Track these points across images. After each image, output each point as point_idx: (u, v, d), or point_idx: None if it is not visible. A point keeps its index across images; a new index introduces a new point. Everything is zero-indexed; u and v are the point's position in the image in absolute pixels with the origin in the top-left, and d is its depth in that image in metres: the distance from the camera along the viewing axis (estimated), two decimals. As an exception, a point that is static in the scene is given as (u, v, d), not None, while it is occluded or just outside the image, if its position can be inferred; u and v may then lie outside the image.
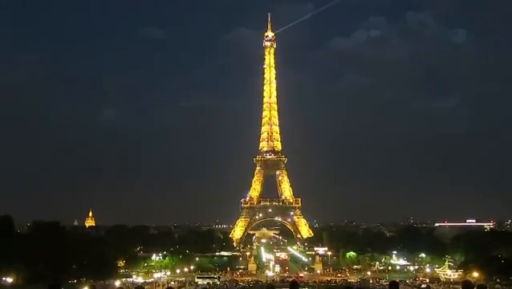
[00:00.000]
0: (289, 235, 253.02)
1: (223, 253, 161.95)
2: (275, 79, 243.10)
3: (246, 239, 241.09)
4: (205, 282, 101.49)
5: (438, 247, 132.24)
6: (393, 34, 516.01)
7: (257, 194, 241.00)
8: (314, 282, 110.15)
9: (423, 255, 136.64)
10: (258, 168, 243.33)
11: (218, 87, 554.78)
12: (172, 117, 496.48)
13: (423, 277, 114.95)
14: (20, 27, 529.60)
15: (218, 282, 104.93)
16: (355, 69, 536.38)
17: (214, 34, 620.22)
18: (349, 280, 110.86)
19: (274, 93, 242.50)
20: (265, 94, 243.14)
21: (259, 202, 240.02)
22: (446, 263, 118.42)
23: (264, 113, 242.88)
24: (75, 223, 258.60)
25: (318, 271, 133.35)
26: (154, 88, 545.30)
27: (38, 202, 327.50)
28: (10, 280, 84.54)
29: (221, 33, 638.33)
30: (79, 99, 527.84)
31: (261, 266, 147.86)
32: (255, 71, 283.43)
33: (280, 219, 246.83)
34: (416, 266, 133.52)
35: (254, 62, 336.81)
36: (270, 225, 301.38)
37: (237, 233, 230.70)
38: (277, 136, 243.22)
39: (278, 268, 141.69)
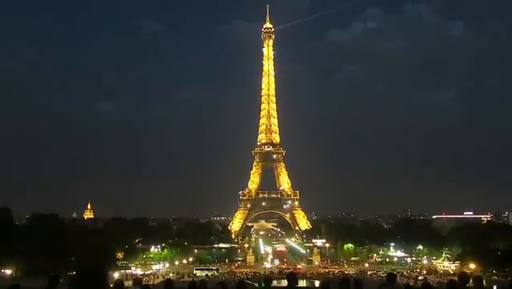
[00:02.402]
0: (287, 227, 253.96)
1: (221, 245, 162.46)
2: (273, 71, 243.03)
3: (245, 231, 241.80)
4: (204, 274, 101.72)
5: (435, 239, 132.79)
6: (390, 26, 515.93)
7: (255, 187, 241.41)
8: (312, 273, 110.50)
9: (420, 247, 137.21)
10: (256, 160, 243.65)
11: (216, 80, 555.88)
12: (171, 110, 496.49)
13: (420, 269, 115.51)
14: (20, 20, 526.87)
15: (217, 274, 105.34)
16: (353, 61, 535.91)
17: (212, 26, 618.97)
18: (347, 272, 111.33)
19: (273, 85, 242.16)
20: (263, 86, 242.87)
21: (258, 195, 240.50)
22: (443, 255, 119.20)
23: (262, 106, 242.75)
24: (74, 215, 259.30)
25: (317, 263, 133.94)
26: (153, 81, 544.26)
27: (36, 195, 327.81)
28: (9, 272, 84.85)
29: (219, 25, 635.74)
30: (78, 92, 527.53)
31: (259, 258, 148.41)
32: (253, 63, 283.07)
33: (278, 211, 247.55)
34: (414, 258, 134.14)
35: (252, 54, 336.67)
36: (268, 217, 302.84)
37: (236, 225, 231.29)
38: (275, 128, 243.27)
39: (276, 260, 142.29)
